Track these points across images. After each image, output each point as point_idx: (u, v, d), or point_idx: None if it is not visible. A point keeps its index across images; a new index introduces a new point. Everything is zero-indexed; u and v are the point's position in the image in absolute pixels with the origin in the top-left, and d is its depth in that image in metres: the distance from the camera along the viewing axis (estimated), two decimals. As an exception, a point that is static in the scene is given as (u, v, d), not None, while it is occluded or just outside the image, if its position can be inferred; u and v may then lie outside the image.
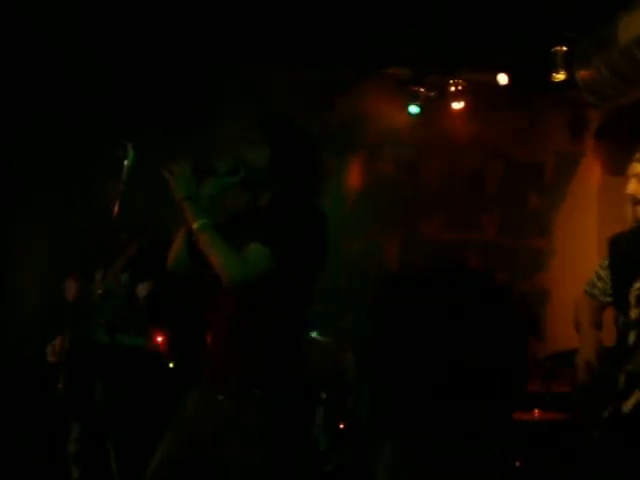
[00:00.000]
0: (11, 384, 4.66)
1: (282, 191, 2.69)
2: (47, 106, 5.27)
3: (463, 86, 5.77)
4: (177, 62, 5.41)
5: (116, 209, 3.06)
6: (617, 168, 4.89)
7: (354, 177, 6.10)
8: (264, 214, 2.69)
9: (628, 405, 2.84)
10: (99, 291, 3.65)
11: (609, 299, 3.20)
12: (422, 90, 5.81)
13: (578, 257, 5.52)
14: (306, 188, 2.72)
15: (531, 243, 6.04)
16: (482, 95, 5.80)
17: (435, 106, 5.89)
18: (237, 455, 2.50)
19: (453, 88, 5.79)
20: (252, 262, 2.52)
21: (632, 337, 2.94)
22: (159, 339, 4.74)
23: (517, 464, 4.24)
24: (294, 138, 2.76)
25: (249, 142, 2.72)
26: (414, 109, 5.87)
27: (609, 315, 3.21)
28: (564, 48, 5.33)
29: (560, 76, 5.33)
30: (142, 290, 3.76)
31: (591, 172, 5.90)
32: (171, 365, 4.76)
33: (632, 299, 2.94)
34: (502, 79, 5.55)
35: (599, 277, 3.28)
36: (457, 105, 5.85)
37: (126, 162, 3.00)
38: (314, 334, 4.71)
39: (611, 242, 3.21)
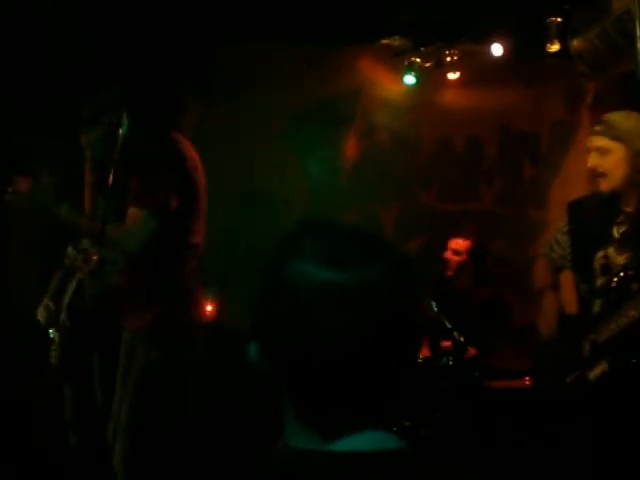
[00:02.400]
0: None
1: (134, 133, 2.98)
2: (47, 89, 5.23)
3: (458, 56, 5.84)
4: (174, 41, 5.37)
5: (111, 178, 3.12)
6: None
7: (350, 148, 6.23)
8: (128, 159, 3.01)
9: (594, 373, 2.98)
10: (94, 257, 3.75)
11: (567, 264, 3.35)
12: (418, 60, 5.90)
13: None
14: (155, 123, 3.05)
15: (528, 213, 6.16)
16: (478, 65, 5.90)
17: (431, 76, 5.98)
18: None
19: (449, 58, 5.86)
20: (137, 233, 2.96)
21: (597, 306, 3.07)
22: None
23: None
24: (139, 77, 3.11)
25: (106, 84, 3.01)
26: (410, 79, 5.96)
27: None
28: (559, 19, 5.41)
29: (554, 47, 5.43)
30: None
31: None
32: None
33: (597, 268, 3.08)
34: (497, 49, 5.64)
35: (557, 241, 3.41)
36: (453, 75, 5.97)
37: (121, 131, 3.13)
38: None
39: (570, 208, 3.37)
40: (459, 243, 5.47)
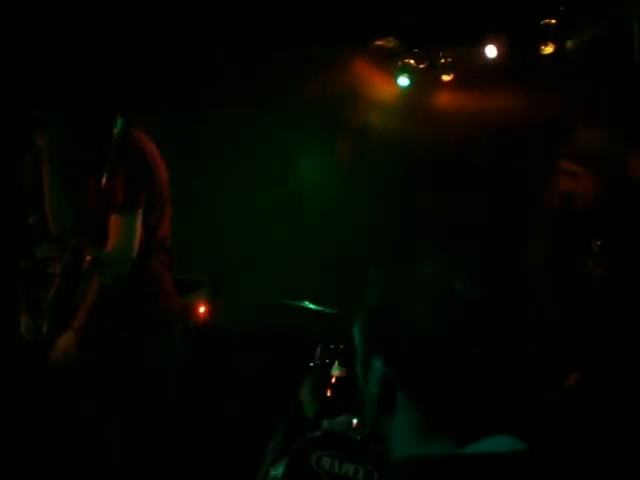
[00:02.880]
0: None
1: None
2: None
3: (452, 58, 5.89)
4: (173, 44, 5.54)
5: (104, 180, 3.11)
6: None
7: (345, 151, 6.23)
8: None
9: None
10: (88, 257, 3.74)
11: None
12: (411, 62, 5.93)
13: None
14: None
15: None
16: (472, 67, 5.90)
17: (425, 78, 6.01)
18: None
19: (443, 60, 5.90)
20: (127, 240, 2.99)
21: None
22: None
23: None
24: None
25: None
26: (403, 81, 6.00)
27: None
28: (553, 21, 5.45)
29: (549, 49, 5.49)
30: None
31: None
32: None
33: None
34: (491, 51, 5.67)
35: None
36: (447, 77, 5.98)
37: (115, 130, 3.14)
38: (307, 303, 4.89)
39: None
40: None
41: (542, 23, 5.49)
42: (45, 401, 3.63)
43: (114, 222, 3.02)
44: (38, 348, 3.54)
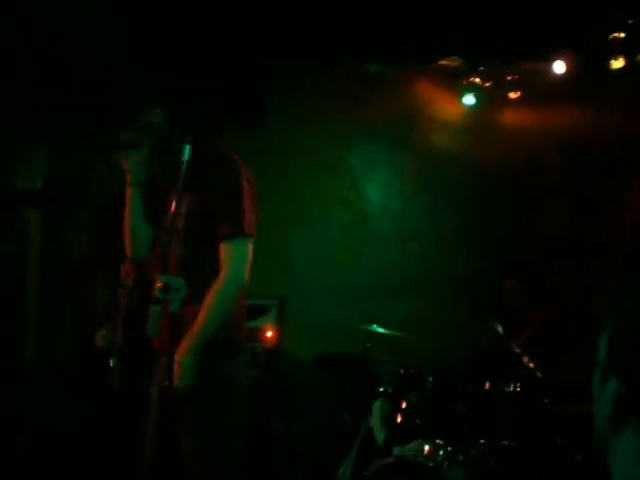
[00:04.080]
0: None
1: (194, 155, 2.86)
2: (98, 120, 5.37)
3: (519, 75, 5.88)
4: (225, 65, 5.57)
5: (173, 206, 3.22)
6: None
7: (410, 171, 6.26)
8: (198, 184, 2.93)
9: None
10: (159, 284, 3.83)
11: None
12: (477, 80, 5.94)
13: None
14: (210, 143, 2.99)
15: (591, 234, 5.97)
16: (539, 84, 5.86)
17: (491, 96, 6.01)
18: None
19: (509, 77, 5.90)
20: (241, 267, 2.94)
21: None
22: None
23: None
24: (184, 97, 3.01)
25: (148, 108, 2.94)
26: (469, 100, 6.02)
27: None
28: (622, 35, 5.41)
29: (618, 63, 5.44)
30: None
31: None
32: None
33: None
34: (558, 67, 5.66)
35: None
36: (513, 95, 5.97)
37: (183, 159, 3.15)
38: (375, 327, 4.84)
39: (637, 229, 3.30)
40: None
41: (611, 37, 5.43)
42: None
43: (229, 249, 2.99)
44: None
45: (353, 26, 5.41)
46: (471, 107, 6.06)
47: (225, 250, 2.98)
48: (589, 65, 5.67)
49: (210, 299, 2.97)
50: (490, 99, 6.02)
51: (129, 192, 2.96)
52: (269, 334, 5.26)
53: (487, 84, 5.97)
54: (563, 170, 6.06)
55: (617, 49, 5.45)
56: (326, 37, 5.54)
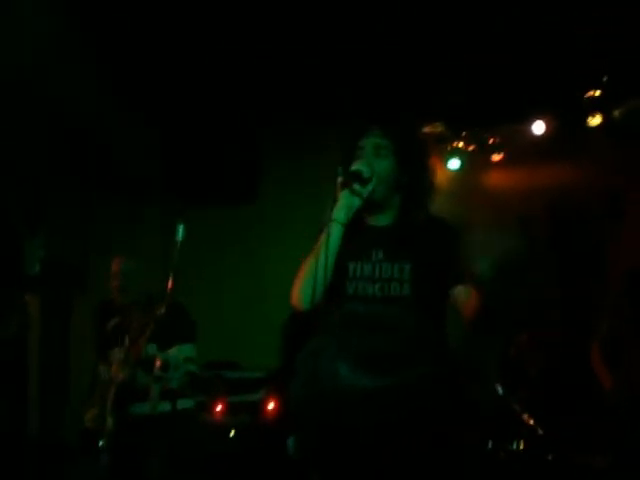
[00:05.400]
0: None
1: (418, 210, 2.68)
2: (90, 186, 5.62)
3: (501, 137, 6.13)
4: (224, 135, 5.80)
5: (170, 284, 3.38)
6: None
7: None
8: (431, 246, 2.67)
9: None
10: (158, 363, 3.93)
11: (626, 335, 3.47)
12: (460, 145, 6.19)
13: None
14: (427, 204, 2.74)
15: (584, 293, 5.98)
16: (521, 144, 6.08)
17: (475, 160, 6.23)
18: None
19: (491, 140, 6.15)
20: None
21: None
22: (219, 408, 5.12)
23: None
24: (423, 153, 2.74)
25: (375, 150, 2.64)
26: (454, 164, 6.23)
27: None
28: (598, 92, 5.66)
29: (596, 120, 5.66)
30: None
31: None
32: (232, 434, 5.03)
33: None
34: (538, 128, 5.90)
35: (615, 314, 3.58)
36: (497, 157, 6.20)
37: (178, 239, 3.39)
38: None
39: (628, 277, 3.50)
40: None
41: (587, 95, 5.69)
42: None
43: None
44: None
45: (334, 93, 5.61)
46: (456, 171, 6.25)
47: None
48: (568, 123, 5.90)
49: None
50: (474, 162, 6.23)
51: (330, 228, 2.63)
52: (271, 406, 5.27)
53: (470, 148, 6.21)
54: (549, 226, 6.20)
55: (594, 106, 5.68)
56: (311, 104, 5.73)
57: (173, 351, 4.06)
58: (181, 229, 3.40)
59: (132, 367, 4.01)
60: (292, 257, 2.73)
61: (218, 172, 5.88)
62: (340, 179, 2.57)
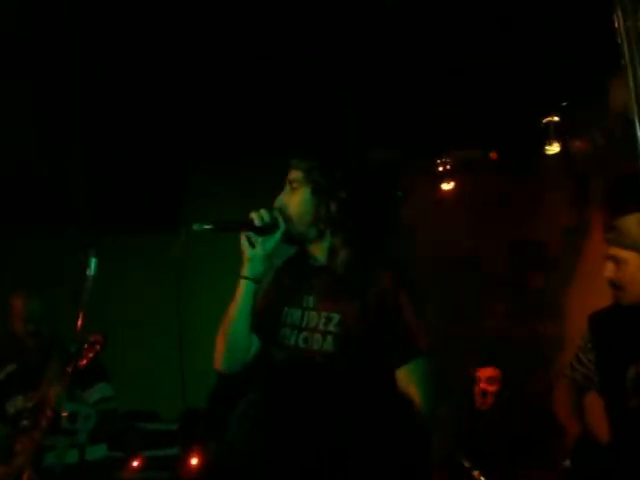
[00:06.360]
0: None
1: (350, 248, 2.48)
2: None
3: (452, 165, 5.90)
4: (148, 160, 5.65)
5: (80, 322, 3.16)
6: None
7: None
8: (353, 285, 2.43)
9: None
10: (64, 414, 3.66)
11: (593, 385, 3.20)
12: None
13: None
14: (374, 237, 2.54)
15: (540, 330, 6.00)
16: (472, 173, 5.89)
17: (421, 188, 6.00)
18: None
19: (441, 168, 5.91)
20: (433, 391, 2.40)
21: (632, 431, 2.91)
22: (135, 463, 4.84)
23: None
24: (350, 177, 2.49)
25: (289, 184, 2.51)
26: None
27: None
28: (556, 118, 5.47)
29: (554, 148, 5.47)
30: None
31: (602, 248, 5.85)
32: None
33: (629, 386, 2.92)
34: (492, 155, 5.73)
35: (580, 361, 3.25)
36: (447, 186, 5.97)
37: (89, 272, 3.11)
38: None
39: (592, 321, 3.20)
40: (491, 371, 5.23)
41: (544, 121, 5.54)
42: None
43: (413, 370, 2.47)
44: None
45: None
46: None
47: None
48: (524, 151, 5.76)
49: None
50: (420, 191, 6.03)
51: (241, 286, 2.53)
52: (194, 462, 5.05)
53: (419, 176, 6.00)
54: (503, 263, 6.10)
55: (552, 134, 5.53)
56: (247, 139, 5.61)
57: (89, 394, 3.91)
58: (93, 263, 3.14)
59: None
60: (220, 297, 2.60)
61: (135, 199, 5.79)
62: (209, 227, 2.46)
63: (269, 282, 2.61)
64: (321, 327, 2.40)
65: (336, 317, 2.38)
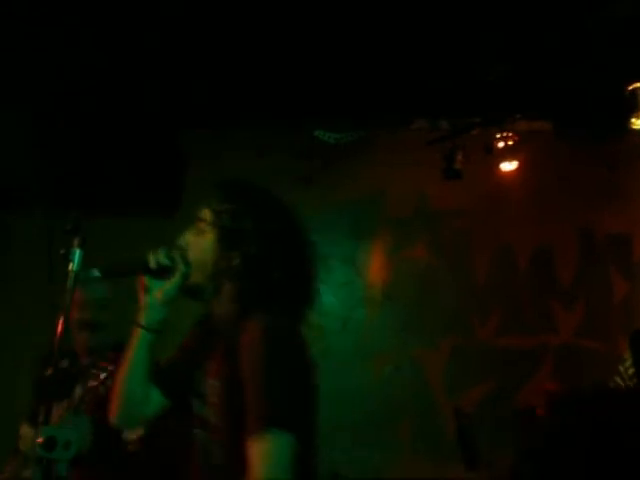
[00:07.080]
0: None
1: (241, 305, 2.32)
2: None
3: (515, 140, 5.27)
4: (145, 140, 5.41)
5: (59, 328, 2.61)
6: None
7: (377, 269, 5.69)
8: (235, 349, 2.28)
9: None
10: (40, 439, 3.10)
11: None
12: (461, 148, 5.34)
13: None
14: (277, 295, 2.33)
15: (621, 344, 5.37)
16: (541, 151, 5.43)
17: (480, 167, 5.41)
18: None
19: (502, 144, 5.28)
20: (282, 466, 2.19)
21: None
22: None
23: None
24: (256, 218, 2.36)
25: (197, 226, 2.42)
26: (452, 173, 5.35)
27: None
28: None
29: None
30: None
31: None
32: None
33: None
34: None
35: (619, 374, 3.62)
36: (508, 165, 5.35)
37: (71, 266, 2.55)
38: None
39: (634, 337, 3.50)
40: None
41: (630, 89, 4.93)
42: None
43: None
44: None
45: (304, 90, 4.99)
46: (455, 181, 5.43)
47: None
48: (605, 125, 5.28)
49: None
50: (479, 171, 5.44)
51: (136, 336, 2.46)
52: None
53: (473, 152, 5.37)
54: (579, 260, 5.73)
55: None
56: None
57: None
58: (77, 255, 2.56)
59: None
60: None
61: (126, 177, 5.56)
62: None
63: (189, 332, 2.55)
64: (207, 393, 2.40)
65: (217, 384, 2.36)
